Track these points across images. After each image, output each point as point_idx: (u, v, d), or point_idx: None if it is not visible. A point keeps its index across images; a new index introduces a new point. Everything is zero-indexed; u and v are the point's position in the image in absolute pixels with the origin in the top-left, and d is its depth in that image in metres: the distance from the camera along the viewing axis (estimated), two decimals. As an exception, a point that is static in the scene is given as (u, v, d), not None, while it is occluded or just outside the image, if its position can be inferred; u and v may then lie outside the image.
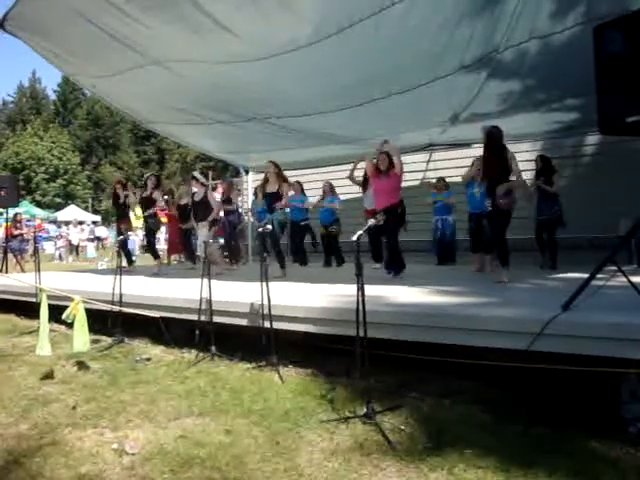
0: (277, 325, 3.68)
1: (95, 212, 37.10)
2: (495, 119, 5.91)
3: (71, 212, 28.63)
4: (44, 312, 4.25)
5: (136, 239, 17.25)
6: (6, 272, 8.44)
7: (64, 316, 4.08)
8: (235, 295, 4.41)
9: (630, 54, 2.84)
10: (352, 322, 2.85)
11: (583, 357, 2.60)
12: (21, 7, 4.88)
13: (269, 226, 5.03)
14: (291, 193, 7.80)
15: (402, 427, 2.62)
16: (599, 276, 2.94)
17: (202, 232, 6.97)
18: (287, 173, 7.77)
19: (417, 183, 9.53)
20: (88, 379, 3.64)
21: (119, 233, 7.62)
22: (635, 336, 2.48)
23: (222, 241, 8.43)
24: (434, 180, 8.11)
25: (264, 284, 3.67)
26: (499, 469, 2.15)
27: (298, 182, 8.39)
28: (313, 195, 8.89)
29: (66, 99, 49.56)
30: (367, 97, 5.98)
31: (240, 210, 8.75)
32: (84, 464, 2.34)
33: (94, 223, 26.37)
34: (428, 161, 9.84)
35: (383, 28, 4.44)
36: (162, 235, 12.43)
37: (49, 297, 4.46)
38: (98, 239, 21.68)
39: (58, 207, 34.34)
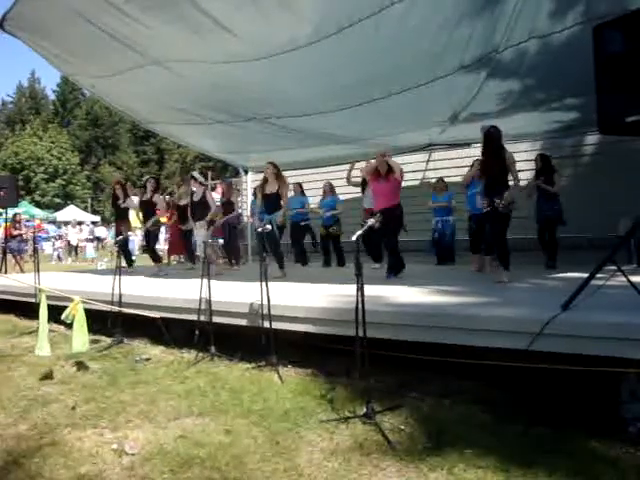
0: (277, 325, 3.68)
1: (94, 212, 37.10)
2: (494, 119, 5.92)
3: (70, 212, 28.63)
4: (43, 312, 4.25)
5: (136, 239, 17.25)
6: (5, 272, 8.43)
7: (63, 316, 4.07)
8: (235, 295, 4.41)
9: (629, 54, 2.84)
10: (352, 322, 2.85)
11: (583, 357, 2.60)
12: (20, 7, 4.88)
13: (268, 226, 5.03)
14: (290, 194, 7.81)
15: (402, 427, 2.62)
16: (599, 276, 2.94)
17: (200, 232, 6.97)
18: (287, 173, 7.78)
19: (417, 183, 9.54)
20: (87, 379, 3.64)
21: (118, 234, 7.62)
22: (635, 336, 2.48)
23: (221, 241, 8.43)
24: (434, 180, 8.10)
25: (264, 284, 3.67)
26: (499, 469, 2.15)
27: (298, 184, 8.40)
28: (313, 195, 8.90)
29: (65, 99, 49.56)
30: (367, 97, 5.98)
31: (239, 210, 8.75)
32: (84, 464, 2.34)
33: (93, 223, 26.36)
34: (428, 161, 9.85)
35: (383, 28, 4.44)
36: (162, 235, 12.44)
37: (48, 297, 4.46)
38: (98, 239, 21.65)
39: (57, 207, 34.34)
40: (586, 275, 2.98)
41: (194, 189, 7.18)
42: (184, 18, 4.56)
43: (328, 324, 3.52)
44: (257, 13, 4.36)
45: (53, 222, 26.65)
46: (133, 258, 8.48)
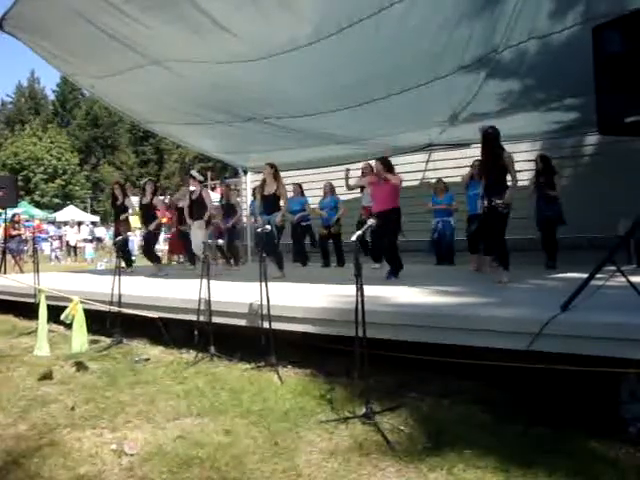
0: (276, 325, 3.68)
1: (94, 212, 37.08)
2: (494, 119, 5.92)
3: (70, 212, 28.59)
4: (43, 313, 4.24)
5: (135, 239, 17.23)
6: (4, 273, 8.42)
7: (63, 317, 4.07)
8: (234, 295, 4.41)
9: (629, 54, 2.84)
10: (351, 322, 2.85)
11: (582, 357, 2.60)
12: (20, 7, 4.88)
13: (268, 227, 5.04)
14: (290, 195, 7.81)
15: (401, 427, 2.61)
16: (598, 276, 2.94)
17: (198, 232, 6.96)
18: (287, 173, 7.78)
19: (416, 183, 9.53)
20: (87, 380, 3.63)
21: (117, 234, 7.61)
22: (634, 336, 2.48)
23: (220, 241, 8.43)
24: (433, 180, 8.10)
25: (263, 284, 3.67)
26: (499, 469, 2.14)
27: (298, 184, 8.40)
28: (313, 196, 8.89)
29: (65, 99, 49.57)
30: (367, 97, 5.98)
31: (237, 210, 8.75)
32: (83, 465, 2.34)
33: (93, 224, 26.33)
34: (427, 161, 9.84)
35: (383, 28, 4.44)
36: (162, 235, 12.44)
37: (48, 298, 4.46)
38: (98, 240, 21.62)
39: (57, 207, 34.30)
40: (586, 275, 2.98)
41: (193, 188, 7.17)
42: (184, 18, 4.56)
43: (328, 324, 3.51)
44: (257, 13, 4.36)
45: (52, 222, 26.61)
46: (133, 258, 8.47)
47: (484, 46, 4.86)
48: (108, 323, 4.70)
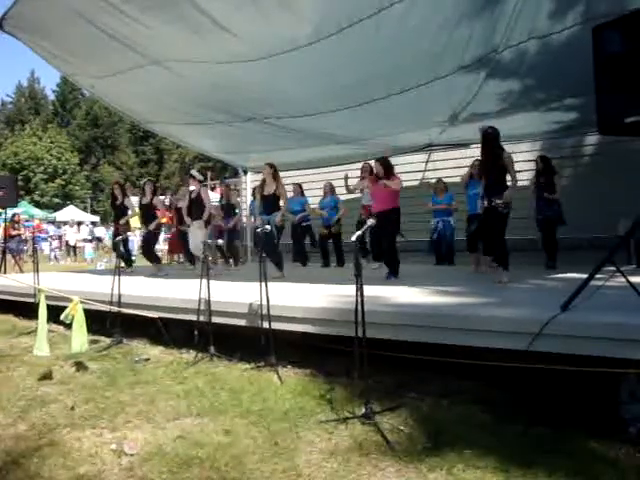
0: (276, 325, 3.68)
1: (94, 212, 37.08)
2: (494, 119, 5.92)
3: (70, 212, 28.59)
4: (42, 312, 4.24)
5: (135, 239, 17.22)
6: (4, 272, 8.42)
7: (63, 316, 4.06)
8: (234, 295, 4.41)
9: (629, 54, 2.84)
10: (351, 322, 2.84)
11: (582, 357, 2.60)
12: (20, 7, 4.88)
13: (268, 227, 5.03)
14: (290, 195, 7.81)
15: (401, 427, 2.61)
16: (598, 276, 2.94)
17: (198, 232, 6.95)
18: (287, 173, 7.76)
19: (416, 183, 9.54)
20: (87, 380, 3.63)
21: (116, 234, 7.60)
22: (634, 336, 2.48)
23: (220, 241, 8.43)
24: (433, 180, 8.11)
25: (263, 284, 3.67)
26: (498, 469, 2.14)
27: (298, 184, 8.40)
28: (313, 196, 8.90)
29: (65, 99, 49.58)
30: (367, 97, 5.98)
31: (237, 210, 8.76)
32: (83, 465, 2.33)
33: (93, 223, 26.32)
34: (427, 161, 9.85)
35: (383, 28, 4.44)
36: (162, 235, 12.45)
37: (48, 297, 4.45)
38: (98, 240, 21.61)
39: (57, 207, 34.31)
40: (585, 276, 2.98)
41: (192, 187, 7.17)
42: (184, 18, 4.56)
43: (327, 324, 3.51)
44: (257, 13, 4.36)
45: (52, 222, 26.61)
46: (133, 258, 8.47)
47: (484, 46, 4.86)
48: (108, 323, 4.70)
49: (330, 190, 8.09)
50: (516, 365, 2.71)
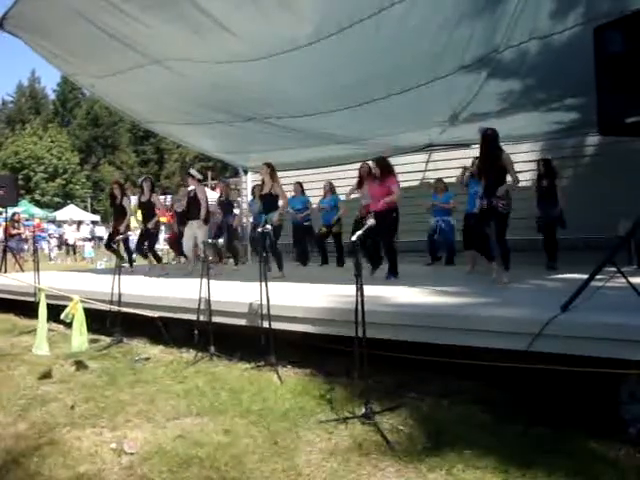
0: (276, 325, 3.68)
1: (94, 212, 37.10)
2: (495, 119, 5.92)
3: (70, 212, 28.60)
4: (43, 312, 4.24)
5: (135, 239, 17.19)
6: (5, 271, 8.43)
7: (63, 316, 4.06)
8: (234, 295, 4.41)
9: (630, 54, 2.84)
10: (351, 322, 2.85)
11: (582, 358, 2.60)
12: (21, 6, 4.87)
13: (268, 226, 5.03)
14: (291, 194, 7.81)
15: (401, 427, 2.61)
16: (598, 277, 2.94)
17: (197, 232, 6.95)
18: (287, 173, 7.76)
19: (416, 183, 9.53)
20: (87, 379, 3.64)
21: (115, 233, 7.59)
22: (634, 337, 2.48)
23: (220, 241, 8.44)
24: (433, 180, 8.11)
25: (263, 284, 3.67)
26: (498, 469, 2.15)
27: (299, 183, 8.40)
28: (313, 196, 8.89)
29: (65, 99, 49.61)
30: (367, 97, 5.98)
31: (236, 210, 8.77)
32: (82, 464, 2.34)
33: (93, 223, 26.33)
34: (427, 161, 9.84)
35: (383, 28, 4.44)
36: (162, 235, 12.44)
37: (48, 297, 4.44)
38: (99, 239, 21.59)
39: (57, 206, 34.34)
40: (586, 276, 2.97)
41: (192, 187, 7.17)
42: (184, 17, 4.56)
43: (327, 324, 3.51)
44: (257, 13, 4.36)
45: (53, 221, 26.62)
46: (133, 257, 8.46)
47: (485, 46, 4.85)
48: (108, 322, 4.71)
49: (330, 189, 8.08)
50: (516, 365, 2.71)
